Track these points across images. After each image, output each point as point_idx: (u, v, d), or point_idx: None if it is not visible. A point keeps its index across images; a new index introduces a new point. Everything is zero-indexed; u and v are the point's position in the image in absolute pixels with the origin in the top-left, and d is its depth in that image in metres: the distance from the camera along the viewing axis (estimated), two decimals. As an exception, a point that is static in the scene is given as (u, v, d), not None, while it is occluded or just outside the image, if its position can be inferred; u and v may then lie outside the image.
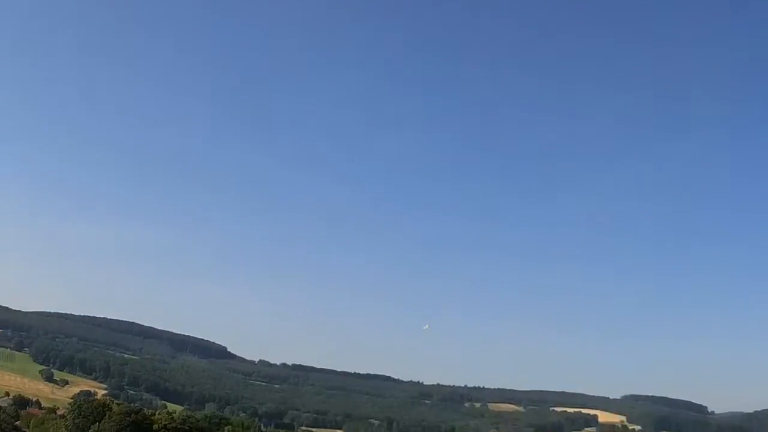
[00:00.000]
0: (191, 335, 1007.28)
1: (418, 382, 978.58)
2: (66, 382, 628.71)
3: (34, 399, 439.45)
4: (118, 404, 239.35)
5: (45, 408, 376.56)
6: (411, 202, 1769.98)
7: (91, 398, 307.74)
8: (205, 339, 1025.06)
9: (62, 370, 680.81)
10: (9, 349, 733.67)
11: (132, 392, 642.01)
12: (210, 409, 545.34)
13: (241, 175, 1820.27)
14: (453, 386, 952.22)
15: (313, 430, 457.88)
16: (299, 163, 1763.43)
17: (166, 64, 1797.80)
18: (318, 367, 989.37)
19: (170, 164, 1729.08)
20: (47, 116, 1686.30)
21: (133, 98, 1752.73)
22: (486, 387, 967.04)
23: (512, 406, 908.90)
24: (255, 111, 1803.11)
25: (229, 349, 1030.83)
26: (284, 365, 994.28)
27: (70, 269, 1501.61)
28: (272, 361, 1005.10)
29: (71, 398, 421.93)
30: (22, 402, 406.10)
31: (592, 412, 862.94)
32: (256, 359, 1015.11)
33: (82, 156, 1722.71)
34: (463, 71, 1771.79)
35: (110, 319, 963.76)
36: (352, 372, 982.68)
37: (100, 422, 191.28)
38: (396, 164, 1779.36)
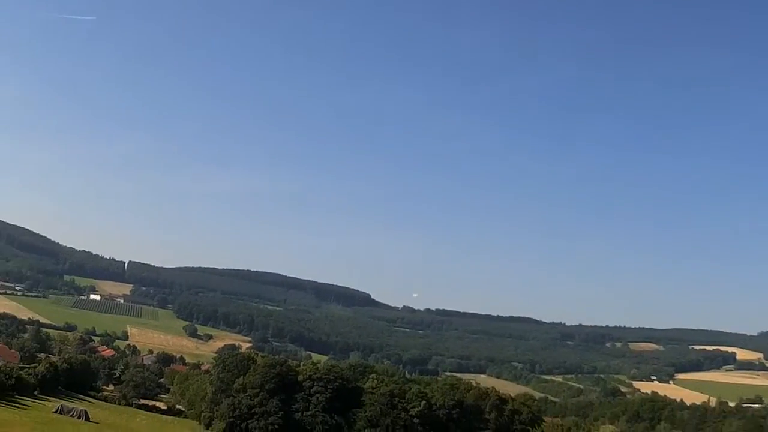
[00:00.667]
0: (335, 284, 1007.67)
1: (560, 323, 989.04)
2: (210, 337, 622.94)
3: (178, 355, 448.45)
4: (262, 357, 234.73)
5: (189, 364, 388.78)
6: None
7: (236, 352, 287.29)
8: (349, 287, 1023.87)
9: (206, 325, 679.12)
10: (152, 307, 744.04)
11: (276, 344, 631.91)
12: (354, 357, 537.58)
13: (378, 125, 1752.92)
14: (594, 326, 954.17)
15: (457, 374, 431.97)
16: (454, 106, 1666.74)
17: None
18: (461, 311, 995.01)
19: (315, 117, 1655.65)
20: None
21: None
22: (627, 326, 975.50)
23: (652, 345, 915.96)
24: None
25: (372, 297, 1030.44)
26: (428, 311, 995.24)
27: (212, 223, 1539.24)
28: (416, 307, 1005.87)
29: (215, 353, 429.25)
30: (166, 359, 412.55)
31: (730, 349, 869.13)
32: (400, 306, 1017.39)
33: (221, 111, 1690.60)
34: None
35: (253, 271, 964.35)
36: (495, 315, 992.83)
37: (244, 376, 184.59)
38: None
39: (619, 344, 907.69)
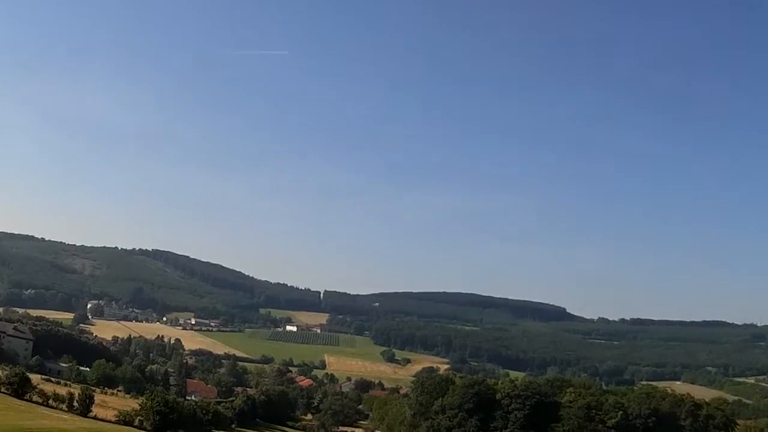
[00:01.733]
0: (529, 300, 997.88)
1: (752, 323, 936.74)
2: (408, 361, 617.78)
3: (377, 381, 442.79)
4: (460, 377, 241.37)
5: (387, 389, 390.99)
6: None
7: (434, 374, 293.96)
8: (543, 302, 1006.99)
9: (403, 349, 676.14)
10: (349, 334, 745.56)
11: (474, 363, 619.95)
12: (551, 372, 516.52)
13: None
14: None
15: (652, 383, 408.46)
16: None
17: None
18: (654, 319, 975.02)
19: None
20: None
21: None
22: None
23: None
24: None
25: (567, 310, 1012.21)
26: (622, 321, 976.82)
27: (403, 247, 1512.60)
28: (610, 318, 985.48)
29: (413, 376, 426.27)
30: (364, 385, 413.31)
31: None
32: (595, 317, 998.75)
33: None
34: None
35: (449, 293, 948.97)
36: (688, 321, 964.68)
37: (443, 397, 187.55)
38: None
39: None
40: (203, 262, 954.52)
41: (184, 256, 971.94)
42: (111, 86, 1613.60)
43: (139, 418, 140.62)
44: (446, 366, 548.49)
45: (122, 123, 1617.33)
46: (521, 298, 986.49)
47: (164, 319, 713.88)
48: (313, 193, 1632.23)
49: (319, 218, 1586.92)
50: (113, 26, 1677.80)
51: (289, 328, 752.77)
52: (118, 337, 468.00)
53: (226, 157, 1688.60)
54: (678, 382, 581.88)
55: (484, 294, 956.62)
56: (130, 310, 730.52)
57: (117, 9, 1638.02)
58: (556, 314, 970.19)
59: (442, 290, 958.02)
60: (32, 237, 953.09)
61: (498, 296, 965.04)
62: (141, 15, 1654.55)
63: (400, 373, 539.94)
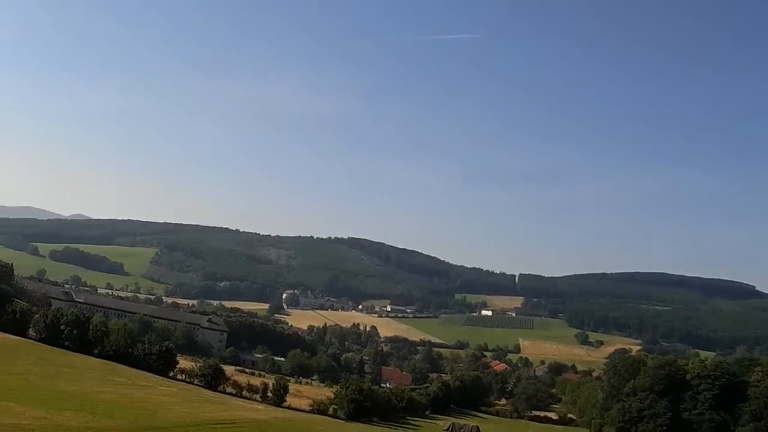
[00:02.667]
0: (719, 278, 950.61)
1: None
2: (601, 343, 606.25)
3: (570, 364, 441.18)
4: (651, 358, 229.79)
5: (580, 372, 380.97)
6: None
7: (626, 355, 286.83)
8: (733, 280, 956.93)
9: (596, 331, 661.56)
10: (544, 317, 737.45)
11: (665, 344, 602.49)
12: (740, 351, 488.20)
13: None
14: None
15: None
16: None
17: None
18: None
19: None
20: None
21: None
22: None
23: None
24: None
25: (757, 288, 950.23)
26: None
27: (596, 228, 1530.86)
28: None
29: (606, 358, 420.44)
30: (557, 368, 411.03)
31: None
32: None
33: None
34: None
35: (641, 273, 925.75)
36: None
37: (634, 379, 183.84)
38: None
39: None
40: (399, 248, 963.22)
41: (380, 243, 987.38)
42: (304, 80, 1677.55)
43: (333, 406, 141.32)
44: (638, 347, 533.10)
45: (316, 114, 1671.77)
46: (712, 277, 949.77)
47: (360, 306, 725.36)
48: (506, 180, 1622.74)
49: (512, 204, 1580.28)
50: (301, 21, 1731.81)
51: (484, 312, 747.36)
52: (313, 327, 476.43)
53: (421, 144, 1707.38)
54: None
55: (676, 273, 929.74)
56: (326, 298, 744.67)
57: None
58: (745, 292, 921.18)
59: (634, 270, 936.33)
60: (227, 229, 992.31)
61: (689, 275, 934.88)
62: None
63: (593, 356, 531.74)
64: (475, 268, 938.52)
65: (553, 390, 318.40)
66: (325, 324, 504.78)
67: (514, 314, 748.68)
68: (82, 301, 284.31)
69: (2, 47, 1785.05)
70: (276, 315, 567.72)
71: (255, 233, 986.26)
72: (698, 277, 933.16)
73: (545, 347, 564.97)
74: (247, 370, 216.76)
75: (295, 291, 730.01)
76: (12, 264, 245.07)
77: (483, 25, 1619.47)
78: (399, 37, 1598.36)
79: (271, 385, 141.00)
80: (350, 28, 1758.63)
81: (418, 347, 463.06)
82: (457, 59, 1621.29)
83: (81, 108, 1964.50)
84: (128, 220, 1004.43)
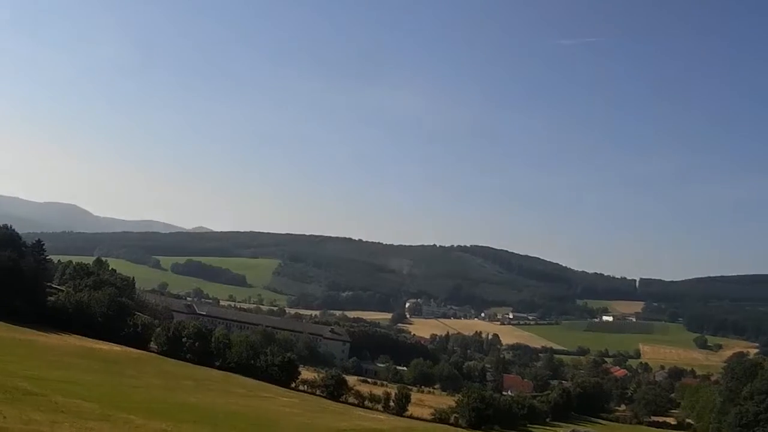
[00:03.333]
0: None
1: None
2: (719, 347, 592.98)
3: (689, 369, 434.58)
4: None
5: (699, 376, 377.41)
6: None
7: (744, 359, 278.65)
8: None
9: (715, 335, 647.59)
10: (663, 322, 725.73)
11: None
12: None
13: None
14: None
15: None
16: None
17: None
18: None
19: None
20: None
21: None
22: None
23: None
24: None
25: None
26: None
27: (719, 230, 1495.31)
28: None
29: (724, 362, 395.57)
30: (677, 373, 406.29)
31: None
32: None
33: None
34: None
35: (760, 275, 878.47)
36: None
37: (751, 383, 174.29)
38: None
39: None
40: (521, 255, 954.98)
41: (503, 250, 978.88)
42: (431, 87, 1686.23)
43: (454, 415, 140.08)
44: (756, 351, 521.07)
45: (445, 123, 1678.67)
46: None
47: (482, 314, 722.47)
48: (622, 185, 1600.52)
49: (632, 208, 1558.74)
50: (443, 22, 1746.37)
51: (605, 318, 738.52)
52: (435, 335, 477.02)
53: (549, 152, 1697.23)
54: None
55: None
56: (449, 307, 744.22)
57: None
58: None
59: (754, 272, 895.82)
60: (350, 239, 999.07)
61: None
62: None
63: (711, 360, 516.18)
64: (596, 273, 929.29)
65: (672, 395, 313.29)
66: (448, 332, 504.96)
67: (634, 319, 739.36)
68: (204, 313, 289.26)
69: (132, 69, 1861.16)
70: (399, 324, 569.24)
71: (378, 243, 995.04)
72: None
73: (665, 352, 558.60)
74: (369, 379, 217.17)
75: (418, 300, 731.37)
76: (133, 277, 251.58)
77: (623, 27, 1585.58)
78: (547, 41, 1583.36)
79: (393, 394, 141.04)
80: (494, 32, 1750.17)
81: (540, 354, 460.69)
82: (602, 62, 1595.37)
83: (202, 125, 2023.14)
84: (250, 231, 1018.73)
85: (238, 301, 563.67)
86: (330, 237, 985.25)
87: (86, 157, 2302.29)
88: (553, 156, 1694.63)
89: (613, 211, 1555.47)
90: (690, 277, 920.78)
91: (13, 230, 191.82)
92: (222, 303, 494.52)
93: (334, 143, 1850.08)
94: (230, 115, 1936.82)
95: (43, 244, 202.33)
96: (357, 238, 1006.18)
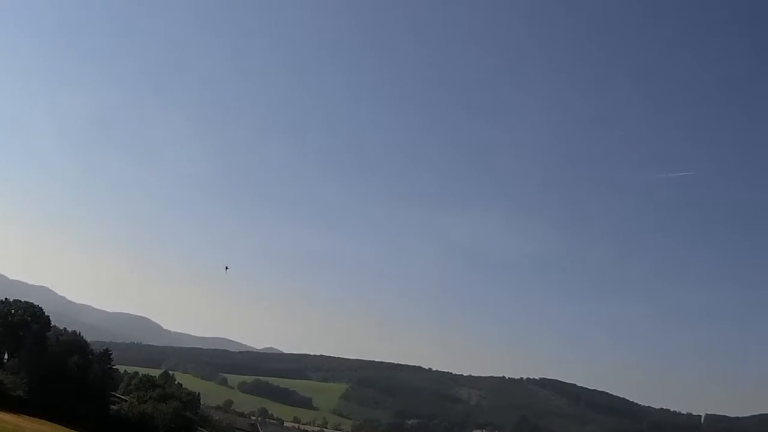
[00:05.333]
0: None
1: None
2: None
3: None
4: None
5: None
6: None
7: None
8: None
9: None
10: None
11: None
12: None
13: None
14: None
15: None
16: None
17: None
18: None
19: None
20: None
21: None
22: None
23: None
24: None
25: None
26: None
27: None
28: None
29: None
30: None
31: None
32: None
33: None
34: None
35: None
36: None
37: None
38: None
39: None
40: (590, 389, 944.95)
41: (572, 384, 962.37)
42: (509, 219, 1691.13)
43: None
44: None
45: (517, 253, 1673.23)
46: None
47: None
48: (691, 318, 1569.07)
49: (700, 341, 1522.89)
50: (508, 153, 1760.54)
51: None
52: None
53: (615, 281, 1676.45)
54: None
55: None
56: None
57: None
58: None
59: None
60: (420, 367, 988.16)
61: None
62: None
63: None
64: (662, 408, 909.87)
65: None
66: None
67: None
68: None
69: (212, 189, 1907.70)
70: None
71: (448, 372, 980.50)
72: None
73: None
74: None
75: (483, 430, 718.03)
76: (199, 393, 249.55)
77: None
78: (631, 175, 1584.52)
79: None
80: (556, 166, 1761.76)
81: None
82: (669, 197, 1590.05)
83: (274, 246, 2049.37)
84: (320, 355, 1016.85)
85: (303, 423, 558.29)
86: (401, 365, 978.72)
87: (160, 273, 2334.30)
88: (614, 288, 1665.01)
89: (679, 347, 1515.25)
90: (757, 413, 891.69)
91: (82, 337, 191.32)
92: (286, 424, 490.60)
93: (415, 268, 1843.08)
94: (307, 240, 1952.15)
95: (111, 353, 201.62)
96: (427, 367, 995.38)
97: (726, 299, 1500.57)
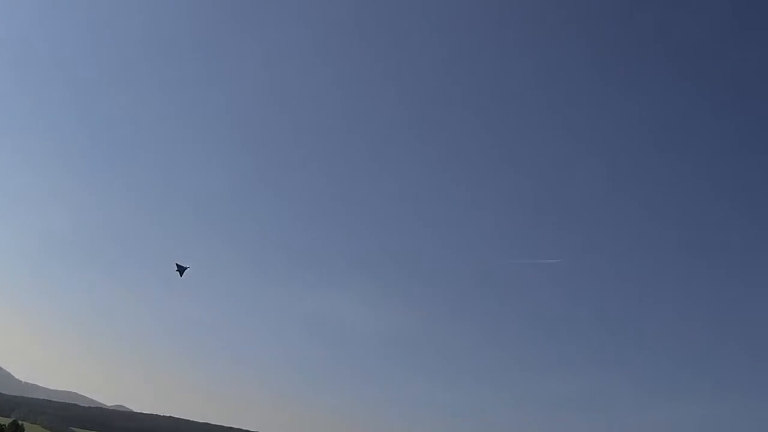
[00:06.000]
0: None
1: None
2: None
3: None
4: None
5: None
6: None
7: None
8: None
9: None
10: None
11: None
12: None
13: None
14: None
15: None
16: None
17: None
18: None
19: None
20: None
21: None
22: None
23: None
24: None
25: None
26: None
27: None
28: None
29: None
30: None
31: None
32: None
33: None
34: None
35: None
36: None
37: None
38: None
39: None
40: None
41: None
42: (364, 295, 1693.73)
43: None
44: None
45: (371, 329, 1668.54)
46: None
47: None
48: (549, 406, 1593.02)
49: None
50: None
51: None
52: None
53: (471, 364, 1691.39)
54: None
55: None
56: None
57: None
58: None
59: None
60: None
61: None
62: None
63: None
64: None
65: None
66: None
67: None
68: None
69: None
70: None
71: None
72: None
73: None
74: None
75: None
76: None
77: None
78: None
79: None
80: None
81: None
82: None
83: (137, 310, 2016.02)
84: (170, 416, 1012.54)
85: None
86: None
87: (11, 320, 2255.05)
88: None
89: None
90: None
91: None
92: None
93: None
94: (165, 305, 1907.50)
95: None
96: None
97: (586, 387, 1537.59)
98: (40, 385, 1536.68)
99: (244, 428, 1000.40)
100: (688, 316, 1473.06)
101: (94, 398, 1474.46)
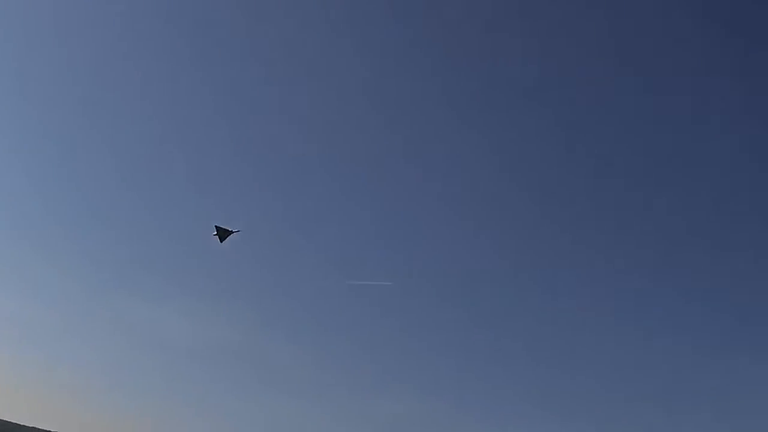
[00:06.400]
0: None
1: None
2: None
3: None
4: None
5: None
6: None
7: None
8: None
9: None
10: None
11: None
12: None
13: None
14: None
15: None
16: None
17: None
18: None
19: None
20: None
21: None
22: None
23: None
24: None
25: None
26: None
27: None
28: None
29: None
30: None
31: None
32: None
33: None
34: None
35: None
36: None
37: None
38: None
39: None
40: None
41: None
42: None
43: None
44: None
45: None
46: None
47: None
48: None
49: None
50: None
51: None
52: None
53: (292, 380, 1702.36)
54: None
55: None
56: None
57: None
58: None
59: None
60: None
61: None
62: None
63: None
64: None
65: None
66: None
67: None
68: None
69: None
70: None
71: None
72: None
73: None
74: None
75: None
76: None
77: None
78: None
79: None
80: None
81: None
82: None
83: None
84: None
85: None
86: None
87: None
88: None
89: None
90: None
91: None
92: None
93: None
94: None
95: None
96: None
97: (412, 409, 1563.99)
98: None
99: (45, 429, 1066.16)
100: (516, 338, 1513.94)
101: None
